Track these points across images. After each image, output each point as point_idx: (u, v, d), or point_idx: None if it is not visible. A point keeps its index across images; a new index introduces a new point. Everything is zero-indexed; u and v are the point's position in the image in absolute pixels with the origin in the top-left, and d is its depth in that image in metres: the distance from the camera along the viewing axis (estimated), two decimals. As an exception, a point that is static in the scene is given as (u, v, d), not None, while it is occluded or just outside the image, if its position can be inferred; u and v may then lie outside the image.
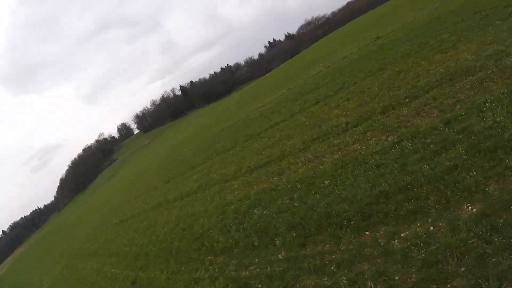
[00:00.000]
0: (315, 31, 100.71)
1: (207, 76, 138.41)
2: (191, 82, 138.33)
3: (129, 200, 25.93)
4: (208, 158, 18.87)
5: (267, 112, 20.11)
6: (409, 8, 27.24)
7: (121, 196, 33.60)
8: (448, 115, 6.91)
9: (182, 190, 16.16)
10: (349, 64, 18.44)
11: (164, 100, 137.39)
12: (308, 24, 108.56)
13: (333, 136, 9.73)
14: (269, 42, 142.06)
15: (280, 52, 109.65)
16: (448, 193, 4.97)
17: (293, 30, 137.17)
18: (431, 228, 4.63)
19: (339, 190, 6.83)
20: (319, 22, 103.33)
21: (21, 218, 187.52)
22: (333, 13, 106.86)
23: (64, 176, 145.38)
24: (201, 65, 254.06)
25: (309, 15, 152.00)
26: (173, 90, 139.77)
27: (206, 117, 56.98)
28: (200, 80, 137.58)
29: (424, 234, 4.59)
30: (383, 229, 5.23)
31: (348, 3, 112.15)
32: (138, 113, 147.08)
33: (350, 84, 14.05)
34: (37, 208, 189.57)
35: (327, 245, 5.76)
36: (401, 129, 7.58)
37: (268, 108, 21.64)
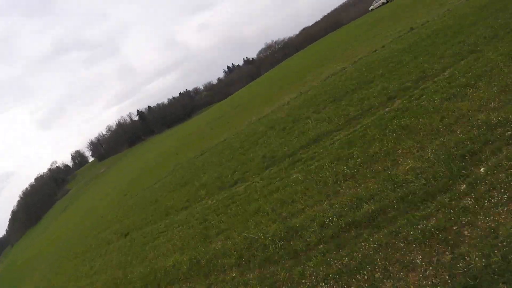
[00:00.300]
0: (275, 54, 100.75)
1: (165, 101, 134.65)
2: (149, 107, 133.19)
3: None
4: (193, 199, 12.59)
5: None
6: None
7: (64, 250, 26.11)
8: None
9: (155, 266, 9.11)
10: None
11: (121, 125, 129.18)
12: (268, 47, 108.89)
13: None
14: (228, 67, 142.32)
15: (240, 76, 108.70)
16: None
17: (253, 54, 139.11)
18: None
19: None
20: (279, 46, 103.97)
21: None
22: (290, 38, 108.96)
23: (15, 208, 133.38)
24: (159, 91, 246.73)
25: (268, 39, 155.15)
26: (130, 115, 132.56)
27: (171, 140, 51.34)
28: (158, 105, 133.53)
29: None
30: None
31: (304, 28, 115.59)
32: (93, 140, 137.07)
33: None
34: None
35: None
36: None
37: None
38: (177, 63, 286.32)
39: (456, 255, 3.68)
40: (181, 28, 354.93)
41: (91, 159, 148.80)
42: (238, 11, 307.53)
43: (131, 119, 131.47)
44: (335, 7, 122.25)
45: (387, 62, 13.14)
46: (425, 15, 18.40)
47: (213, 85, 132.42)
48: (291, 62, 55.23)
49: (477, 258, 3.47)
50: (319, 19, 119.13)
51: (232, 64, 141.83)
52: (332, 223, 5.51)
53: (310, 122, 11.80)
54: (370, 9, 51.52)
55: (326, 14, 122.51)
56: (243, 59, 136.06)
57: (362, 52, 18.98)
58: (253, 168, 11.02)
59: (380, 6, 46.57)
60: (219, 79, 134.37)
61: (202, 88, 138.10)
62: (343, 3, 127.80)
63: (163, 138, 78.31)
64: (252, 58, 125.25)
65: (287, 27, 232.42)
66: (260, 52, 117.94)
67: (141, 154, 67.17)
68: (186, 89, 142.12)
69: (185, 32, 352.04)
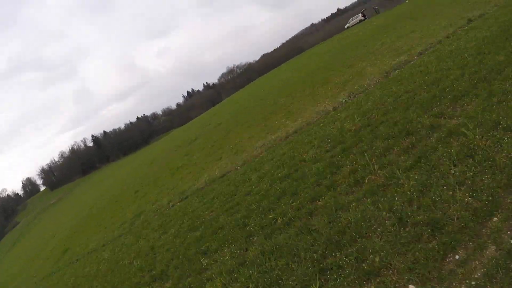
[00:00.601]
0: (237, 79, 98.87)
1: (122, 127, 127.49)
2: (104, 132, 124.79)
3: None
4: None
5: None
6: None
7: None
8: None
9: None
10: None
11: (74, 152, 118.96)
12: (229, 72, 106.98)
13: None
14: (187, 92, 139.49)
15: (201, 101, 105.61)
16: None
17: (214, 79, 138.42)
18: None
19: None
20: (240, 70, 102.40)
21: None
22: (251, 64, 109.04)
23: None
24: (116, 116, 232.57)
25: (230, 63, 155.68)
26: (84, 141, 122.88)
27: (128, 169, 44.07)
28: (114, 130, 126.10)
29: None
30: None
31: (263, 54, 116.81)
32: (45, 167, 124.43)
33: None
34: None
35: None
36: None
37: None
38: (135, 88, 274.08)
39: None
40: (140, 52, 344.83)
41: (42, 188, 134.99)
42: (198, 37, 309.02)
43: (85, 145, 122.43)
44: (293, 35, 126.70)
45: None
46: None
47: (172, 110, 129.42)
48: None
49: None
50: (278, 46, 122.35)
51: (192, 89, 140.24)
52: None
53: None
54: (346, 26, 49.36)
55: (284, 41, 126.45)
56: (203, 84, 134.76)
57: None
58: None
59: (357, 23, 44.41)
60: (178, 104, 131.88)
61: (161, 113, 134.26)
62: (300, 32, 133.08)
63: (119, 166, 71.61)
64: (213, 83, 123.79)
65: (247, 53, 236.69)
66: (222, 76, 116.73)
67: (95, 183, 60.39)
68: (144, 114, 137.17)
69: (144, 56, 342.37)
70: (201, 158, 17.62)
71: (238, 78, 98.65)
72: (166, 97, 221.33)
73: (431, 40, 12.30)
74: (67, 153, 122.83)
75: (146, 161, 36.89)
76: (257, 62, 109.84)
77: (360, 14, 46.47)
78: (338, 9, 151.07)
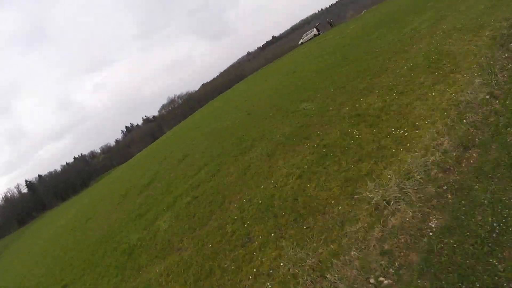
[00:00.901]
0: (177, 110, 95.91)
1: (59, 168, 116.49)
2: (40, 176, 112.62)
3: None
4: None
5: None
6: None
7: None
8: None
9: None
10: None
11: (8, 200, 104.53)
12: (170, 102, 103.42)
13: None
14: (126, 127, 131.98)
15: (141, 135, 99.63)
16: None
17: (154, 112, 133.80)
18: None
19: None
20: (182, 100, 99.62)
21: None
22: (191, 94, 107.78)
23: None
24: (52, 156, 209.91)
25: (171, 94, 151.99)
26: (18, 187, 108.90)
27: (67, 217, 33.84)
28: (50, 173, 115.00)
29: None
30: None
31: (203, 84, 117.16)
32: None
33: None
34: None
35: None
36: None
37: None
38: (72, 125, 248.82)
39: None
40: (77, 88, 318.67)
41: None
42: (137, 70, 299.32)
43: (19, 191, 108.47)
44: (231, 63, 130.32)
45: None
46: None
47: (111, 147, 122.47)
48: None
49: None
50: (217, 75, 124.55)
51: (131, 123, 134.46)
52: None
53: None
54: (299, 42, 48.17)
55: (222, 71, 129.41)
56: (142, 117, 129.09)
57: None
58: None
59: (311, 38, 43.63)
60: (117, 141, 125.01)
61: (99, 151, 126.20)
62: (238, 61, 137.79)
63: (55, 215, 60.89)
64: (153, 116, 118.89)
65: (187, 83, 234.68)
66: (162, 107, 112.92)
67: (28, 244, 49.40)
68: (81, 154, 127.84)
69: (81, 91, 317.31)
70: (175, 226, 10.00)
71: (179, 109, 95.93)
72: (105, 134, 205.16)
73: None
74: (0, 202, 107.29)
75: (80, 219, 24.66)
76: (197, 91, 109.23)
77: (315, 29, 45.94)
78: (273, 37, 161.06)
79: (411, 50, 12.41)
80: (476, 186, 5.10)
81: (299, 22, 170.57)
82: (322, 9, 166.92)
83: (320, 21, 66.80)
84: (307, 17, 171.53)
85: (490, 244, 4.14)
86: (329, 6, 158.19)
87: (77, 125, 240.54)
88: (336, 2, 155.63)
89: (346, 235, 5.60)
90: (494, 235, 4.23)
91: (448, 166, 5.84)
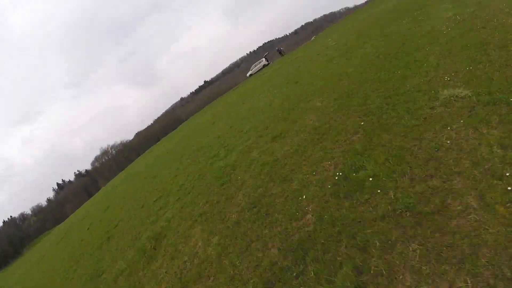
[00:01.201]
0: (111, 161, 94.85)
1: None
2: None
3: None
4: None
5: None
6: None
7: None
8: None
9: None
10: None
11: None
12: (104, 153, 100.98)
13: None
14: (57, 184, 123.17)
15: (74, 191, 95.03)
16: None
17: (87, 165, 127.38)
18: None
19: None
20: (116, 150, 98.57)
21: None
22: (125, 144, 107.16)
23: None
24: None
25: (104, 145, 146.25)
26: None
27: None
28: None
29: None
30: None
31: (137, 132, 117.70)
32: None
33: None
34: None
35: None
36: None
37: None
38: None
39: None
40: (2, 142, 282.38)
41: None
42: (67, 120, 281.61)
43: None
44: (165, 110, 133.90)
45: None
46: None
47: (42, 207, 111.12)
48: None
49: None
50: (151, 123, 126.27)
51: (63, 180, 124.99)
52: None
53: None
54: (248, 74, 46.16)
55: (156, 118, 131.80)
56: (74, 172, 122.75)
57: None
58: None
59: (260, 69, 42.15)
60: (48, 200, 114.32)
61: (30, 212, 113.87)
62: (172, 107, 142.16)
63: None
64: (86, 170, 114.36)
65: (119, 133, 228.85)
66: (96, 159, 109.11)
67: None
68: (11, 216, 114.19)
69: (8, 147, 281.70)
70: None
71: (113, 160, 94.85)
72: (36, 192, 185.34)
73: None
74: None
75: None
76: (131, 140, 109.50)
77: (264, 59, 44.93)
78: (205, 81, 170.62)
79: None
80: None
81: (229, 66, 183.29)
82: (250, 51, 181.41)
83: (256, 58, 66.59)
84: (236, 61, 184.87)
85: None
86: (256, 48, 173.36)
87: (3, 185, 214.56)
88: (263, 44, 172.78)
89: None
90: None
91: None
